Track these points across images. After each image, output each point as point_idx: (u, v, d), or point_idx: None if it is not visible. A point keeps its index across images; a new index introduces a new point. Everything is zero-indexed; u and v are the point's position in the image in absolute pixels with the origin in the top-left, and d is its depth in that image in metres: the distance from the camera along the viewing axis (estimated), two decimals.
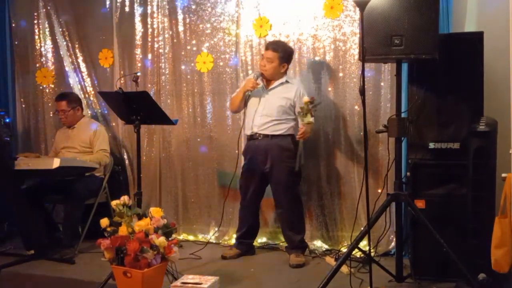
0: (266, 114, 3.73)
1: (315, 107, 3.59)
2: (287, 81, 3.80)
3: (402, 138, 3.17)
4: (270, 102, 3.75)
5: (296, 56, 4.13)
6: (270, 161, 3.72)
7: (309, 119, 3.55)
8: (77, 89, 4.86)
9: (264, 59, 3.77)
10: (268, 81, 3.82)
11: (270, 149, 3.72)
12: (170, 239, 2.94)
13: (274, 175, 3.75)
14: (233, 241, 4.11)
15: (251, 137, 3.82)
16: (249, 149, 3.84)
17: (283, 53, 3.75)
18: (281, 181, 3.73)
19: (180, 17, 4.49)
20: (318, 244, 4.09)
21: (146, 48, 4.63)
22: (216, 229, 4.34)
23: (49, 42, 5.00)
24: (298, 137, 3.60)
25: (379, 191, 3.77)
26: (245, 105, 3.88)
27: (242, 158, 3.97)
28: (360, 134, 3.93)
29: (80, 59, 4.89)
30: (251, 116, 3.80)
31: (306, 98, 3.58)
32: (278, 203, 3.85)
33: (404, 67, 3.37)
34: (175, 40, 4.53)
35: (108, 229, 2.93)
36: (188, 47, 4.49)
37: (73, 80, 4.90)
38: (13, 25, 5.10)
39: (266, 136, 3.74)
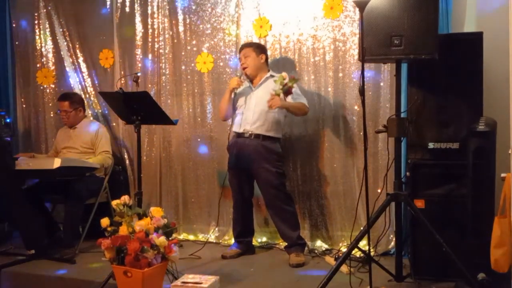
0: (259, 111, 3.74)
1: (291, 82, 3.63)
2: (271, 75, 3.83)
3: (402, 138, 3.18)
4: (261, 97, 3.75)
5: (296, 56, 4.14)
6: (258, 162, 3.73)
7: (278, 91, 3.60)
8: (77, 89, 4.88)
9: (241, 59, 3.85)
10: (253, 80, 3.86)
11: (258, 150, 3.73)
12: (170, 238, 2.96)
13: (262, 177, 3.76)
14: (233, 240, 4.12)
15: (241, 135, 3.82)
16: (236, 145, 3.82)
17: (255, 46, 3.87)
18: (271, 183, 3.73)
19: (180, 17, 4.50)
20: (318, 243, 4.10)
21: (146, 48, 4.64)
22: (216, 228, 4.35)
23: (49, 42, 5.01)
24: (268, 104, 3.63)
25: (379, 191, 3.78)
26: (234, 107, 3.91)
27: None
28: (360, 134, 3.94)
29: (81, 59, 4.90)
30: (242, 114, 3.82)
31: (284, 74, 3.65)
32: (269, 204, 3.84)
33: (404, 67, 3.38)
34: (175, 41, 4.54)
35: (109, 228, 2.95)
36: (188, 48, 4.50)
37: (73, 80, 4.91)
38: (14, 25, 5.12)
39: (257, 136, 3.74)
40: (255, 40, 4.22)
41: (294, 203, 3.95)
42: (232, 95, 3.88)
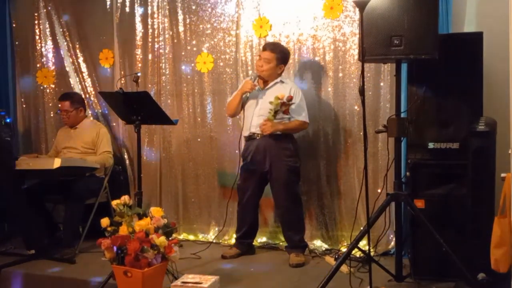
0: (263, 114, 3.74)
1: (286, 106, 3.61)
2: (281, 81, 3.82)
3: (402, 138, 3.18)
4: (266, 102, 3.75)
5: (296, 56, 4.14)
6: (270, 160, 3.73)
7: (270, 116, 3.61)
8: (77, 89, 4.87)
9: (261, 59, 3.79)
10: (263, 82, 3.84)
11: (269, 148, 3.73)
12: (170, 238, 2.96)
13: (274, 174, 3.75)
14: (233, 241, 4.12)
15: (250, 138, 3.83)
16: (248, 150, 3.84)
17: (280, 54, 3.78)
18: (281, 179, 3.73)
19: (180, 17, 4.50)
20: (318, 243, 4.10)
21: (146, 48, 4.64)
22: (216, 228, 4.35)
23: (49, 42, 5.01)
24: (260, 129, 3.65)
25: (379, 191, 3.78)
26: (242, 107, 3.89)
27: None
28: (360, 134, 3.94)
29: (81, 59, 4.90)
30: (249, 117, 3.81)
31: (279, 94, 3.61)
32: (278, 202, 3.86)
33: (404, 67, 3.38)
34: (175, 41, 4.54)
35: (109, 228, 2.95)
36: (188, 47, 4.50)
37: (73, 80, 4.91)
38: (14, 25, 5.12)
39: (264, 135, 3.75)
40: (255, 40, 4.22)
41: (302, 204, 3.93)
42: (245, 96, 3.86)
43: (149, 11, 4.59)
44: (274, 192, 3.84)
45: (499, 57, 3.09)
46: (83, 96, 4.70)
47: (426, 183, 3.26)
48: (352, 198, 3.99)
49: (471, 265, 2.91)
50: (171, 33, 4.54)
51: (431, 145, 3.24)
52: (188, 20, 4.48)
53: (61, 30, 4.94)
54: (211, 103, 4.45)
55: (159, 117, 3.52)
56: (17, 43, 5.13)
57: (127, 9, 4.68)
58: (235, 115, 4.00)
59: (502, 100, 2.88)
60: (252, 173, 3.83)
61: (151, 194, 4.66)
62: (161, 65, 4.59)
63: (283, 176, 3.72)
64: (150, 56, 4.62)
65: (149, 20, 4.60)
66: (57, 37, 4.96)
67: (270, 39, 4.17)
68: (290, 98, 3.65)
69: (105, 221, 2.96)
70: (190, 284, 2.92)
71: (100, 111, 4.87)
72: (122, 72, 4.72)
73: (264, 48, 3.83)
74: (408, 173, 3.28)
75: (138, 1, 4.62)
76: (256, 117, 3.77)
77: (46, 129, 5.04)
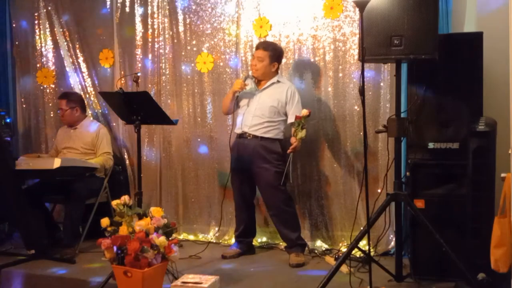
0: (258, 115, 3.76)
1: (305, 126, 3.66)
2: (278, 81, 3.83)
3: (402, 138, 3.18)
4: (262, 103, 3.78)
5: (295, 56, 4.14)
6: (257, 162, 3.74)
7: (303, 134, 3.60)
8: (77, 89, 4.87)
9: (254, 58, 3.82)
10: (259, 81, 3.86)
11: (258, 150, 3.74)
12: (170, 238, 2.96)
13: (261, 177, 3.77)
14: (233, 240, 4.12)
15: (241, 136, 3.84)
16: (237, 147, 3.85)
17: (273, 52, 3.80)
18: (269, 183, 3.73)
19: (180, 17, 4.50)
20: (318, 243, 4.11)
21: (146, 48, 4.64)
22: (216, 229, 4.35)
23: (49, 42, 5.01)
24: (289, 151, 3.64)
25: (379, 191, 3.78)
26: (238, 105, 3.91)
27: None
28: (360, 134, 3.94)
29: (81, 59, 4.90)
30: (242, 115, 3.83)
31: (305, 111, 3.62)
32: (269, 205, 3.86)
33: (404, 67, 3.38)
34: (175, 41, 4.54)
35: (109, 228, 2.95)
36: (188, 48, 4.50)
37: (73, 80, 4.91)
38: (14, 25, 5.12)
39: (255, 137, 3.76)
40: (255, 40, 4.22)
41: (294, 203, 3.95)
42: (236, 95, 3.88)
43: (149, 11, 4.58)
44: (264, 196, 3.86)
45: (499, 57, 3.10)
46: (82, 96, 4.69)
47: (426, 183, 3.26)
48: (352, 198, 3.99)
49: (471, 265, 2.91)
50: (171, 33, 4.54)
51: (431, 145, 3.25)
52: (188, 20, 4.48)
53: (61, 30, 4.94)
54: (211, 103, 4.45)
55: (159, 117, 3.52)
56: (17, 43, 5.13)
57: (127, 9, 4.67)
58: (229, 113, 4.02)
59: (502, 100, 2.89)
60: (240, 172, 3.84)
61: (151, 194, 4.66)
62: (161, 65, 4.59)
63: (273, 179, 3.72)
64: (150, 56, 4.62)
65: (149, 20, 4.60)
66: (57, 37, 4.95)
67: (270, 39, 4.17)
68: (310, 113, 3.68)
69: (105, 221, 2.96)
70: (190, 284, 2.93)
71: (100, 111, 4.87)
72: (122, 72, 4.72)
73: (257, 47, 3.85)
74: (408, 173, 3.28)
75: (138, 1, 4.62)
76: (251, 117, 3.78)
77: (46, 129, 5.04)
